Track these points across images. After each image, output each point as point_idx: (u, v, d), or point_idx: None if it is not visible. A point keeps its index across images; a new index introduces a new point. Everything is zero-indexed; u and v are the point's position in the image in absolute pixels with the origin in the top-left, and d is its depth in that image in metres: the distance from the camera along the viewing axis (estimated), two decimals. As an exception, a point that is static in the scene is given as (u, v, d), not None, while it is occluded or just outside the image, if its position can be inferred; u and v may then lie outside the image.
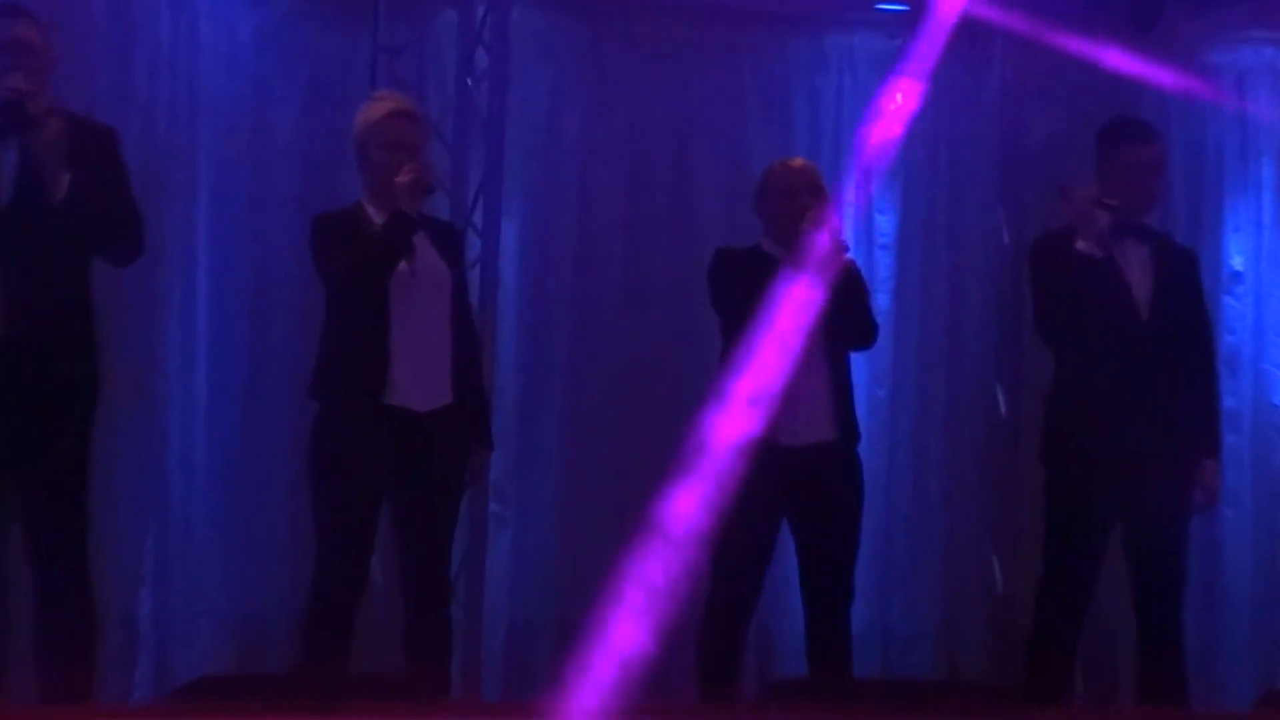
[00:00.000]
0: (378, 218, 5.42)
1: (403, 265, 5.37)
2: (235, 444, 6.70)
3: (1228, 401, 6.88)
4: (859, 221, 6.86)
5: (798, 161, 5.99)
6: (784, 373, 5.20)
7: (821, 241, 5.44)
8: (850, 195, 6.25)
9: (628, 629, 4.21)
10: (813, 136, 7.30)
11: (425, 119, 5.86)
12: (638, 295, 7.15)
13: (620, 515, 6.11)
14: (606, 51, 7.20)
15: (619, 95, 7.21)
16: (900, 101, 6.05)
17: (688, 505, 4.97)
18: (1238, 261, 7.37)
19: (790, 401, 5.45)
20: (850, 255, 5.79)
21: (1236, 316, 7.31)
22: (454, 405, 5.47)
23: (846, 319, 5.72)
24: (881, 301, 7.12)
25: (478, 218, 6.95)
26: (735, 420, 5.05)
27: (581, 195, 7.22)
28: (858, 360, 6.37)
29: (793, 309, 5.24)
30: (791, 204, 5.72)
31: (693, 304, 6.36)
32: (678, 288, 6.82)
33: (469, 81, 6.96)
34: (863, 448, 6.11)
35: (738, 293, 5.61)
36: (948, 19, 6.06)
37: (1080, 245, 5.79)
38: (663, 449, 5.42)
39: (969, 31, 6.31)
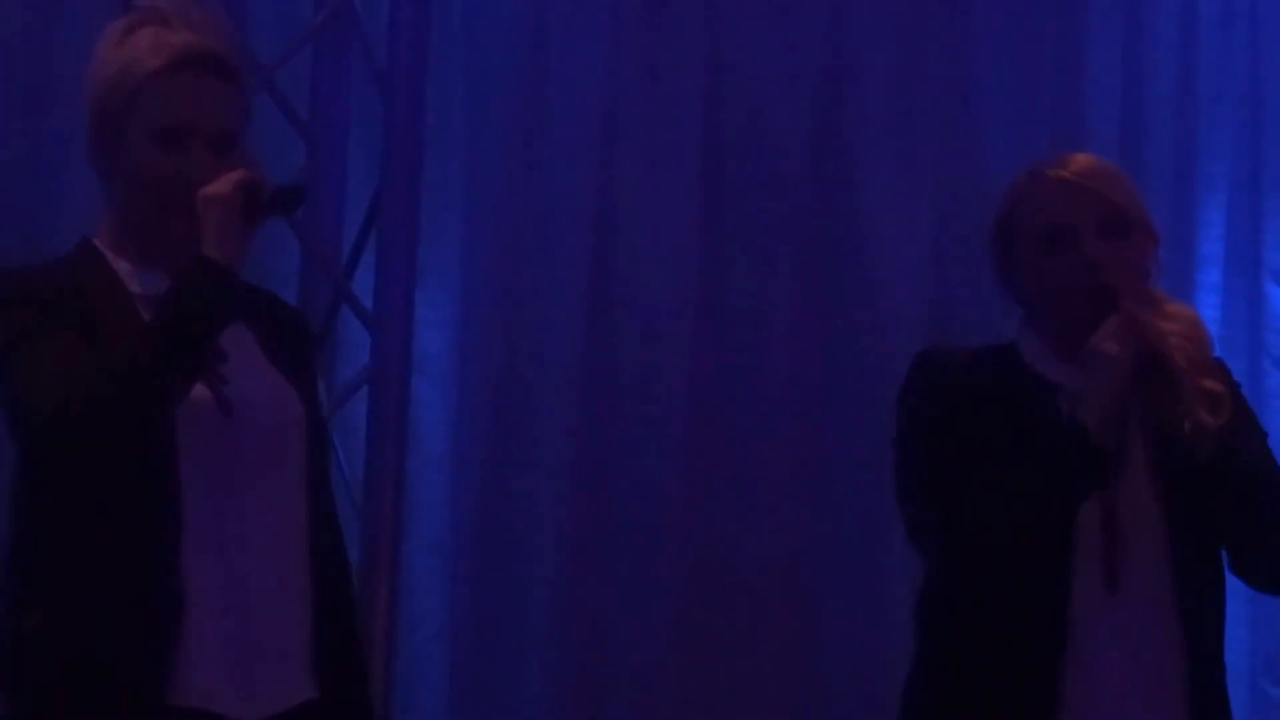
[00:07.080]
0: (140, 282, 3.36)
1: (200, 391, 3.25)
2: None
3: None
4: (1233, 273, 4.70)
5: (1080, 160, 3.35)
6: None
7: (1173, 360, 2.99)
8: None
9: None
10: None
11: (248, 66, 3.55)
12: (703, 451, 4.60)
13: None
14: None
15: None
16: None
17: None
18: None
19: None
20: (1229, 385, 3.15)
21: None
22: (317, 707, 3.32)
23: (1227, 522, 3.23)
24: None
25: (362, 286, 4.55)
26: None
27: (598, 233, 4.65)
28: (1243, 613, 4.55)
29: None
30: (1073, 267, 3.24)
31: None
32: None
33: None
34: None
35: (976, 466, 3.15)
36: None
37: None
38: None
39: None
